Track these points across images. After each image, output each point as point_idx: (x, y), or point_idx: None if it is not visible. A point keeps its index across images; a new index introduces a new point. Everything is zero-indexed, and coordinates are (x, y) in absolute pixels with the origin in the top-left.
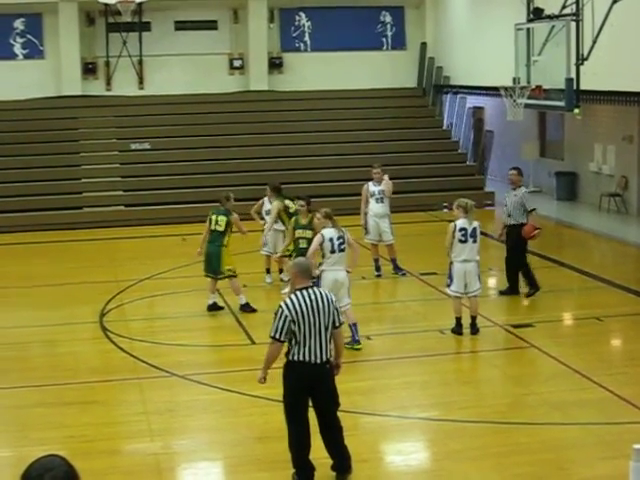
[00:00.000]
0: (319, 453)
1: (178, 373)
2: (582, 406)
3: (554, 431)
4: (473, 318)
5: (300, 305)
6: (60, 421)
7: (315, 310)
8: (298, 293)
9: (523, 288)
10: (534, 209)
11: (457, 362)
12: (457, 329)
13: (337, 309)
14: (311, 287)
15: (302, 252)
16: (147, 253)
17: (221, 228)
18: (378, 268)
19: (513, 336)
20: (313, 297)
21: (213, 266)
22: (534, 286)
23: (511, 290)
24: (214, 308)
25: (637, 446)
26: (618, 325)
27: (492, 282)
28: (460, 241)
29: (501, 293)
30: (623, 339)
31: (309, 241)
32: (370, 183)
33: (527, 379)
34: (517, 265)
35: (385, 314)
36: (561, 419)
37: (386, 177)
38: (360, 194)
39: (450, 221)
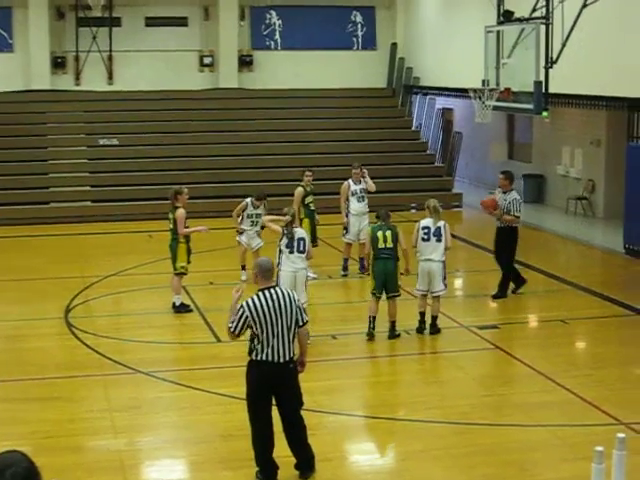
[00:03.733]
0: (283, 452)
1: (143, 370)
2: (546, 408)
3: (517, 432)
4: (434, 318)
5: (262, 305)
6: (23, 417)
7: (277, 310)
8: (260, 293)
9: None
10: (518, 217)
11: (422, 362)
12: (419, 325)
13: (300, 308)
14: (274, 287)
15: (312, 214)
16: (114, 249)
17: (171, 225)
18: (346, 268)
19: (478, 337)
20: (275, 297)
21: (172, 261)
22: (504, 291)
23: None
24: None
25: (599, 448)
26: (583, 328)
27: (458, 283)
28: (423, 239)
29: (493, 297)
30: (588, 342)
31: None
32: (350, 181)
33: (491, 380)
34: (505, 266)
35: (351, 314)
36: (524, 421)
37: (365, 172)
38: (338, 192)
39: (417, 221)
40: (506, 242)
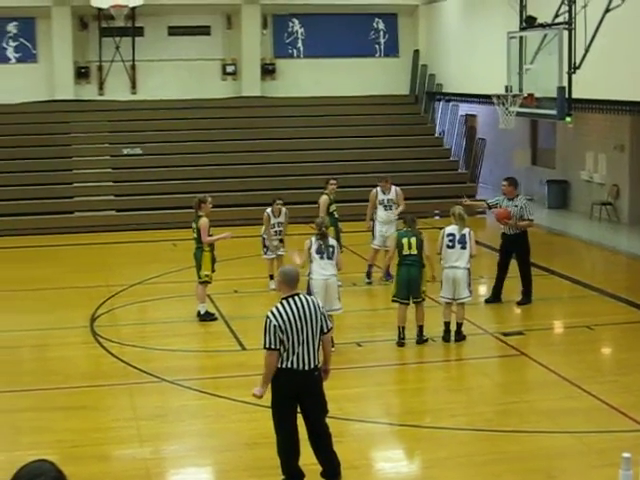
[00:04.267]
0: (309, 459)
1: (168, 378)
2: (572, 414)
3: (543, 439)
4: (459, 325)
5: (287, 314)
6: (50, 426)
7: (303, 318)
8: (284, 302)
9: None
10: (532, 220)
11: (447, 370)
12: (444, 335)
13: (324, 315)
14: (297, 295)
15: (335, 222)
16: (138, 258)
17: (195, 234)
18: (369, 275)
19: (503, 344)
20: (300, 305)
21: (197, 270)
22: (529, 296)
23: (527, 298)
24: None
25: (626, 454)
26: (608, 333)
27: (483, 290)
28: (448, 247)
29: (487, 302)
30: (613, 348)
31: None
32: (378, 190)
33: (517, 387)
34: (525, 272)
35: (376, 321)
36: (550, 427)
37: (393, 186)
38: (362, 200)
39: (442, 228)
40: (522, 248)
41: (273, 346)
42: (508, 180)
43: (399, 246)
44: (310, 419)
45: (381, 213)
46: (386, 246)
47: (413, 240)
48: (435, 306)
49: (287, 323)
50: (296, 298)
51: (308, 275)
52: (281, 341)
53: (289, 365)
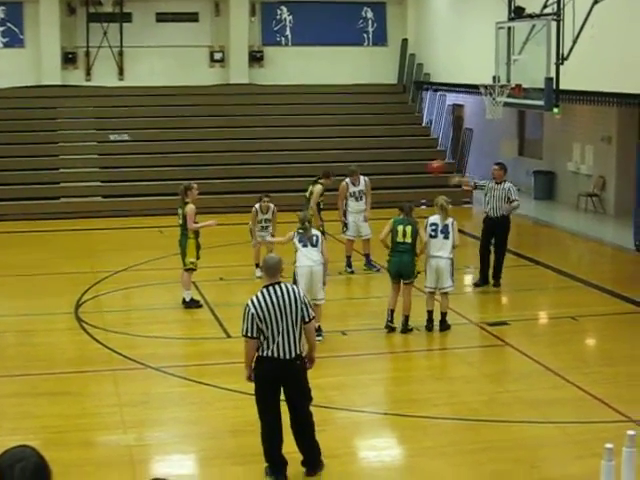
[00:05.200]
0: (292, 447)
1: (153, 365)
2: (556, 405)
3: (527, 429)
4: (443, 315)
5: (266, 302)
6: (33, 411)
7: (282, 307)
8: (264, 290)
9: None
10: (516, 200)
11: (431, 359)
12: (427, 323)
13: (306, 304)
14: (278, 283)
15: (319, 211)
16: (124, 244)
17: (180, 221)
18: (350, 265)
19: (488, 334)
20: (279, 293)
21: (181, 257)
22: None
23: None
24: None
25: (609, 445)
26: (593, 324)
27: (468, 279)
28: (430, 236)
29: (476, 285)
30: (598, 338)
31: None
32: (348, 182)
33: (501, 377)
34: (501, 254)
35: (360, 310)
36: (534, 417)
37: (361, 177)
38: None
39: (427, 218)
40: (504, 230)
41: (250, 334)
42: (499, 164)
43: (393, 233)
44: (293, 407)
45: (352, 204)
46: (360, 234)
47: (408, 228)
48: (420, 295)
49: (265, 312)
50: (276, 287)
51: (294, 264)
52: (259, 329)
53: (269, 354)
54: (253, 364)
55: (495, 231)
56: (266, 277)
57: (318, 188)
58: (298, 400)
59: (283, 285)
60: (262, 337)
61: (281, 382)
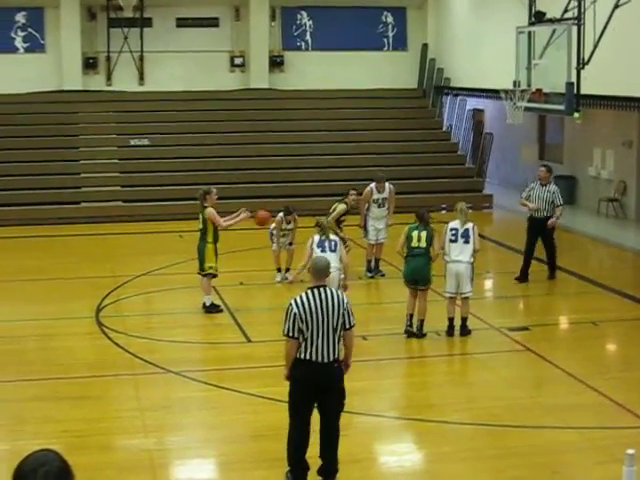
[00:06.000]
0: (311, 452)
1: (173, 370)
2: (577, 410)
3: (548, 435)
4: (463, 319)
5: (309, 303)
6: (55, 415)
7: (324, 309)
8: (309, 291)
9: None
10: (561, 206)
11: (452, 364)
12: (448, 330)
13: (349, 311)
14: (324, 287)
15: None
16: (145, 249)
17: (200, 225)
18: (370, 269)
19: (509, 339)
20: (324, 296)
21: (199, 262)
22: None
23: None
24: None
25: (630, 451)
26: (614, 330)
27: (488, 285)
28: (450, 241)
29: (517, 280)
30: (618, 344)
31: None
32: (373, 188)
33: (522, 382)
34: (552, 251)
35: (381, 315)
36: (556, 423)
37: (387, 184)
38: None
39: (448, 222)
40: (550, 231)
41: (291, 334)
42: (546, 166)
43: (408, 239)
44: (325, 414)
45: (374, 210)
46: (378, 239)
47: (423, 234)
48: (440, 300)
49: (307, 313)
50: (321, 290)
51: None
52: (300, 330)
53: (308, 356)
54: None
55: (541, 231)
56: (313, 279)
57: (341, 207)
58: (332, 405)
59: (328, 289)
60: (301, 338)
61: (317, 386)
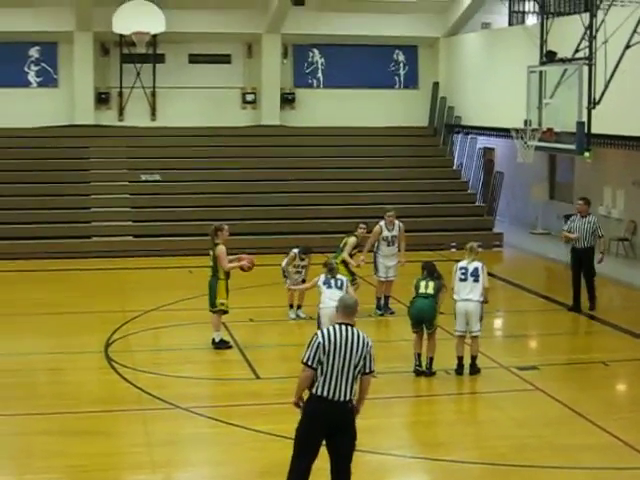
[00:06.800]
0: None
1: (182, 405)
2: (586, 450)
3: (557, 475)
4: (473, 358)
5: (335, 337)
6: (63, 450)
7: (348, 347)
8: (337, 326)
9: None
10: (603, 237)
11: (461, 403)
12: (457, 368)
13: (371, 355)
14: (351, 325)
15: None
16: (154, 284)
17: (212, 262)
18: (380, 307)
19: (518, 378)
20: (350, 334)
21: (209, 298)
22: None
23: (577, 307)
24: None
25: None
26: (624, 370)
27: (498, 323)
28: (460, 279)
29: (569, 310)
30: (629, 384)
31: None
32: (383, 226)
33: (531, 422)
34: (591, 281)
35: (390, 353)
36: (564, 463)
37: (396, 221)
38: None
39: (458, 261)
40: (591, 261)
41: (310, 362)
42: (584, 199)
43: (415, 288)
44: (337, 453)
45: (384, 248)
46: (388, 277)
47: (431, 283)
48: (450, 338)
49: (332, 345)
50: (348, 327)
51: (318, 305)
52: (320, 362)
53: (324, 393)
54: (304, 397)
55: (583, 261)
56: (340, 316)
57: (352, 240)
58: (344, 446)
59: (355, 329)
60: (319, 372)
61: (330, 424)
